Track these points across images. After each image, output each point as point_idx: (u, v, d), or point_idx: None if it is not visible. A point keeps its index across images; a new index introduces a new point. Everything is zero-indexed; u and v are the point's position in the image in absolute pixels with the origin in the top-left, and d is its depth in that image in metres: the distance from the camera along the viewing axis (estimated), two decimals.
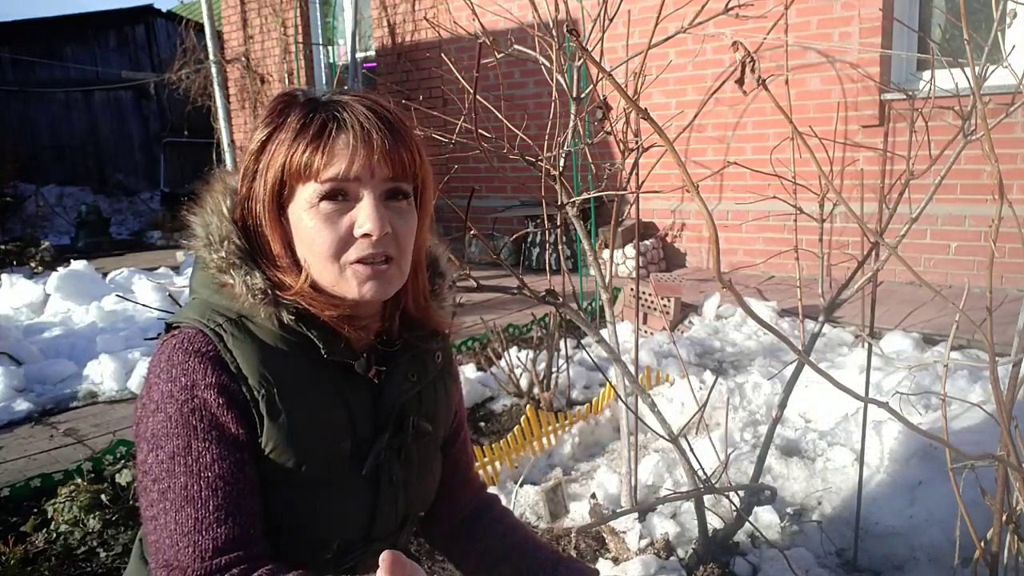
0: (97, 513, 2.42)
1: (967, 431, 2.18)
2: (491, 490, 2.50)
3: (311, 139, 0.92)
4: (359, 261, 0.95)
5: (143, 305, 3.88)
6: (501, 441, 2.74)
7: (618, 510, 2.27)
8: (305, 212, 0.94)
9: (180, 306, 1.04)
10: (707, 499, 2.08)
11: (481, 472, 2.59)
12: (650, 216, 5.76)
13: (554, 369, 3.15)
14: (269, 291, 0.95)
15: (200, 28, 6.42)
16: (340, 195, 0.94)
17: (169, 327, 0.99)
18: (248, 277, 0.95)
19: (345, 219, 0.94)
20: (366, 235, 0.93)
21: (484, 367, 3.50)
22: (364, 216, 0.93)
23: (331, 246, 0.94)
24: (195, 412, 0.90)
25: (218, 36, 6.69)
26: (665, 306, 4.15)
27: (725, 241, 5.36)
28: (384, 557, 0.71)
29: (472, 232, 1.68)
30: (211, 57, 5.66)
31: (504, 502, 2.42)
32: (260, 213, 0.97)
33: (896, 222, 1.79)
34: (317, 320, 0.96)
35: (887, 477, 2.34)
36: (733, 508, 1.99)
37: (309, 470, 0.95)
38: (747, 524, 1.96)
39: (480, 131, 1.74)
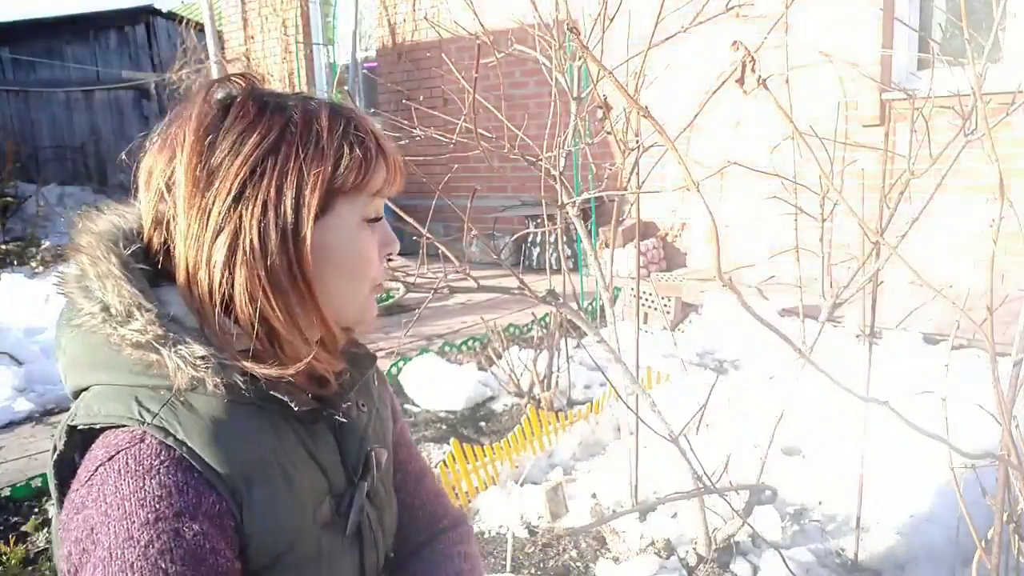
0: None
1: (967, 431, 2.18)
2: (492, 490, 2.50)
3: (352, 144, 0.78)
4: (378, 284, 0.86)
5: None
6: (502, 441, 2.74)
7: (618, 510, 2.27)
8: (354, 232, 0.81)
9: None
10: (707, 499, 2.08)
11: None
12: (650, 216, 5.76)
13: (555, 369, 3.15)
14: (212, 356, 0.73)
15: (200, 28, 6.43)
16: None
17: (73, 430, 0.75)
18: (182, 347, 0.72)
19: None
20: (389, 254, 0.87)
21: (485, 367, 3.50)
22: (389, 233, 0.86)
23: (376, 267, 0.84)
24: (164, 555, 0.67)
25: (218, 36, 6.70)
26: (666, 306, 4.16)
27: (725, 240, 5.36)
28: None
29: (473, 232, 1.69)
30: (211, 57, 5.66)
31: (505, 501, 2.43)
32: (269, 261, 0.74)
33: (896, 221, 1.79)
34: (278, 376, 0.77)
35: (887, 477, 2.34)
36: (733, 508, 1.99)
37: (292, 553, 0.78)
38: (747, 524, 1.96)
39: (480, 131, 1.74)
